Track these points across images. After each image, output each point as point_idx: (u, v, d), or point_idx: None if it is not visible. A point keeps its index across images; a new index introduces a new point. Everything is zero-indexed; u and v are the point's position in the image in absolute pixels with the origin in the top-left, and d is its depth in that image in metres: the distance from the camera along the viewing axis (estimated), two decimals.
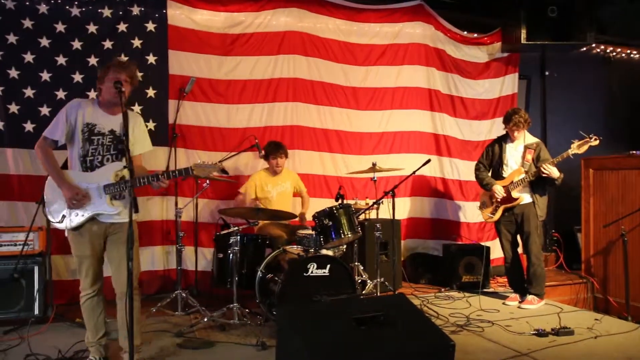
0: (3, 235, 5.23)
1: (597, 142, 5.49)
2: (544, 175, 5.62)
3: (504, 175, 5.97)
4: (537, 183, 5.78)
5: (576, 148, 5.53)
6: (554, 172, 5.61)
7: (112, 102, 3.78)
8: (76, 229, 3.80)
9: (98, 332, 3.96)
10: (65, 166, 3.95)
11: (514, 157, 5.93)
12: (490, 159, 6.15)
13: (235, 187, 6.41)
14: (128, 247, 3.27)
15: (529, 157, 5.77)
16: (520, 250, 6.21)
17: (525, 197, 5.85)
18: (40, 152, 3.83)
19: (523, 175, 5.77)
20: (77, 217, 3.75)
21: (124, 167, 3.64)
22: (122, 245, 3.77)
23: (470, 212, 7.73)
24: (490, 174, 6.11)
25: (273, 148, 6.12)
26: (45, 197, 3.86)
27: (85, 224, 3.79)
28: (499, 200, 5.96)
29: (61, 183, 3.75)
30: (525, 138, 5.95)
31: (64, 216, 3.77)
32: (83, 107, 3.86)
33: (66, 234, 3.90)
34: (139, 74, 6.21)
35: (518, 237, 6.11)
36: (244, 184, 6.29)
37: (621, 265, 6.14)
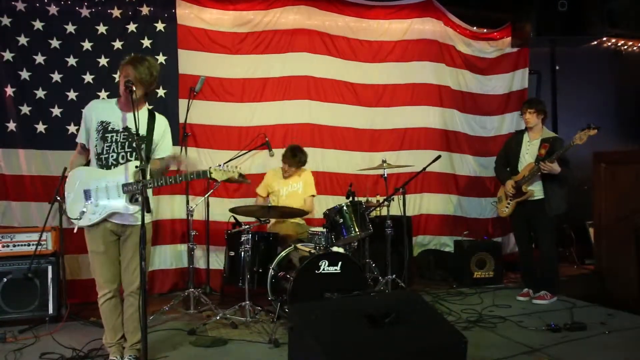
0: (17, 236, 5.27)
1: (595, 131, 5.47)
2: (544, 172, 5.63)
3: (520, 169, 5.96)
4: (551, 178, 5.75)
5: (577, 139, 5.51)
6: (554, 169, 5.59)
7: (127, 100, 3.80)
8: (91, 226, 3.81)
9: (117, 333, 3.97)
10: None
11: (530, 151, 5.90)
12: (508, 152, 6.15)
13: (247, 186, 6.43)
14: (141, 246, 3.29)
15: (543, 151, 5.73)
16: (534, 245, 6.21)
17: (537, 192, 5.84)
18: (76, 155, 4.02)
19: (534, 170, 5.76)
20: (94, 215, 3.77)
21: (137, 167, 3.65)
22: (133, 246, 3.79)
23: (482, 208, 7.72)
24: (508, 168, 6.11)
25: (286, 154, 6.08)
26: (65, 193, 3.87)
27: (100, 222, 3.81)
28: (510, 195, 5.97)
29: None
30: (543, 132, 5.92)
31: (82, 212, 3.77)
32: (97, 106, 3.93)
33: (75, 231, 3.88)
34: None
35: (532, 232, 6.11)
36: (260, 184, 6.33)
37: (634, 260, 6.10)
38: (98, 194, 3.78)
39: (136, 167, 3.58)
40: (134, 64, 3.79)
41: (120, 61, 3.88)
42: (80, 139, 3.94)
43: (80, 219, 3.78)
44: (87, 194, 3.78)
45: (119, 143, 3.83)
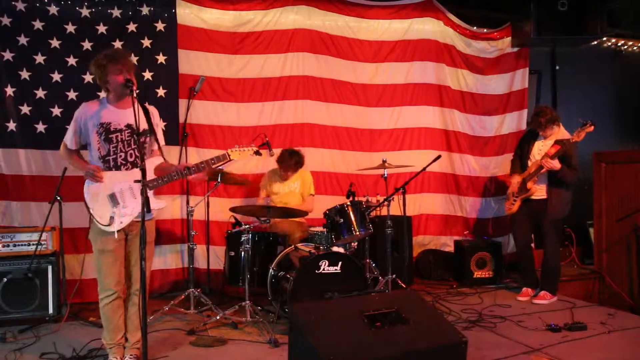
0: (17, 236, 5.27)
1: (592, 127, 5.47)
2: (547, 167, 5.62)
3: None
4: (556, 180, 5.74)
5: (575, 137, 5.51)
6: (554, 165, 5.59)
7: (123, 97, 3.80)
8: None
9: (118, 333, 3.96)
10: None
11: (542, 150, 5.87)
12: (521, 149, 6.15)
13: (247, 186, 6.45)
14: (141, 246, 3.29)
15: (553, 150, 5.69)
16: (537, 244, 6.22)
17: (541, 191, 5.84)
18: (63, 153, 3.99)
19: (538, 167, 5.75)
20: (125, 218, 3.78)
21: (137, 166, 3.65)
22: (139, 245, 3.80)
23: (482, 208, 7.72)
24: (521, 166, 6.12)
25: (282, 160, 6.09)
26: (87, 203, 3.84)
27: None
28: (514, 190, 5.98)
29: (83, 166, 3.87)
30: (560, 134, 5.89)
31: (112, 217, 3.77)
32: (91, 109, 3.88)
33: (117, 237, 3.85)
34: (149, 74, 6.27)
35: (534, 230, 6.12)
36: (260, 183, 6.37)
37: (634, 260, 6.11)
38: (124, 196, 3.79)
39: (137, 166, 3.59)
40: (118, 60, 3.80)
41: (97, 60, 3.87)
42: (68, 142, 3.91)
43: (110, 224, 3.77)
44: (112, 199, 3.79)
45: (125, 142, 3.84)
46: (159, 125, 4.12)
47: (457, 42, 7.67)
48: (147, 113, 3.94)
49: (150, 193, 3.80)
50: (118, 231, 3.78)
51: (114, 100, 3.88)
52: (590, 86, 8.64)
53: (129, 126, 3.83)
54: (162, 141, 4.07)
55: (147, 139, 3.92)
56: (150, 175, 3.80)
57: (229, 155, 4.00)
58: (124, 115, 3.83)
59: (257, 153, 4.24)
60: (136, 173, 3.78)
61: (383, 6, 7.35)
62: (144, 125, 3.86)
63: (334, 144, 7.14)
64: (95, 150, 3.83)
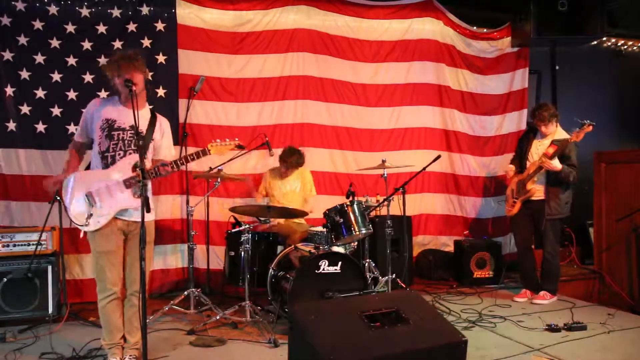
0: (17, 236, 5.26)
1: (591, 127, 5.46)
2: (545, 167, 5.61)
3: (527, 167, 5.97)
4: (554, 180, 5.73)
5: (574, 137, 5.51)
6: (555, 165, 5.58)
7: (129, 99, 3.81)
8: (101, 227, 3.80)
9: (118, 333, 3.95)
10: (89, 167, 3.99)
11: (540, 150, 5.86)
12: (520, 150, 6.14)
13: (247, 186, 6.44)
14: (141, 246, 3.28)
15: (550, 150, 5.68)
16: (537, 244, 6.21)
17: (540, 192, 5.83)
18: (71, 145, 4.04)
19: (537, 167, 5.74)
20: (102, 218, 3.76)
21: (136, 166, 3.64)
22: (138, 245, 3.79)
23: (482, 208, 7.72)
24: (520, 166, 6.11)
25: (283, 156, 6.10)
26: (64, 203, 3.86)
27: (110, 221, 3.80)
28: (514, 193, 5.97)
29: (67, 167, 3.98)
30: (556, 133, 5.89)
31: (88, 217, 3.76)
32: (100, 105, 3.92)
33: (82, 236, 3.87)
34: (149, 74, 6.26)
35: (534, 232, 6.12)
36: (261, 185, 6.38)
37: (634, 260, 6.10)
38: (101, 195, 3.78)
39: (135, 166, 3.58)
40: (133, 63, 3.82)
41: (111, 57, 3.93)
42: (78, 136, 3.97)
43: (87, 224, 3.76)
44: (89, 198, 3.77)
45: (126, 141, 3.84)
46: (166, 132, 4.12)
47: (457, 42, 7.67)
48: (153, 121, 3.96)
49: (128, 192, 3.80)
50: (96, 231, 3.78)
51: (124, 100, 3.90)
52: (590, 86, 8.64)
53: (133, 127, 3.82)
54: (170, 150, 4.14)
55: (151, 145, 3.95)
56: (128, 174, 3.80)
57: (208, 150, 3.99)
58: (130, 115, 3.82)
59: (240, 147, 4.22)
60: (110, 172, 3.80)
61: (383, 6, 7.36)
62: (144, 128, 3.89)
63: (333, 144, 7.14)
64: (96, 145, 3.86)
